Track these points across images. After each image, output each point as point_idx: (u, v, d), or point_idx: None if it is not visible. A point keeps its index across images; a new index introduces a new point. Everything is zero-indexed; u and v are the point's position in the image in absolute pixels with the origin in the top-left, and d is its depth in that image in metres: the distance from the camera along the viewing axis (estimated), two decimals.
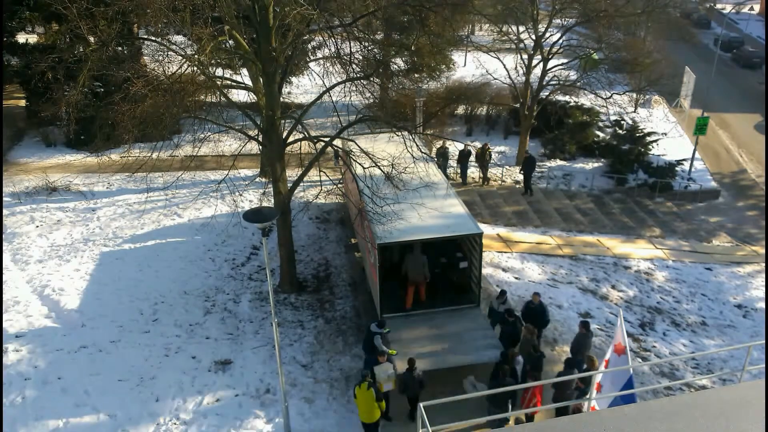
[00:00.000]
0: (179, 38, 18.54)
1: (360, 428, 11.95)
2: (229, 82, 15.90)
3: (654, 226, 22.84)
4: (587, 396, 11.05)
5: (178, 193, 21.60)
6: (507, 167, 26.55)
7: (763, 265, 20.15)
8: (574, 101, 28.50)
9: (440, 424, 7.11)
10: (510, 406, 11.53)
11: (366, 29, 17.60)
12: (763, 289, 18.62)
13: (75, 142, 24.44)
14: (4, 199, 20.75)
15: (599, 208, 24.10)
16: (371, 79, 15.42)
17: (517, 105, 26.98)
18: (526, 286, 17.62)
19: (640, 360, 14.98)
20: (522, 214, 22.94)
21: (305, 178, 15.89)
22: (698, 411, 6.04)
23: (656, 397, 13.39)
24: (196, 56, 12.79)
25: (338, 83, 15.20)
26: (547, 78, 25.36)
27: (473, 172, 25.58)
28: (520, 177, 25.91)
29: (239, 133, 15.54)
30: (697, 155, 27.46)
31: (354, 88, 15.05)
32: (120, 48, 18.39)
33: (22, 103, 26.86)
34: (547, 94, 26.70)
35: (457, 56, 33.24)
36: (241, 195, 18.40)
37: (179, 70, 12.80)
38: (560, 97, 27.89)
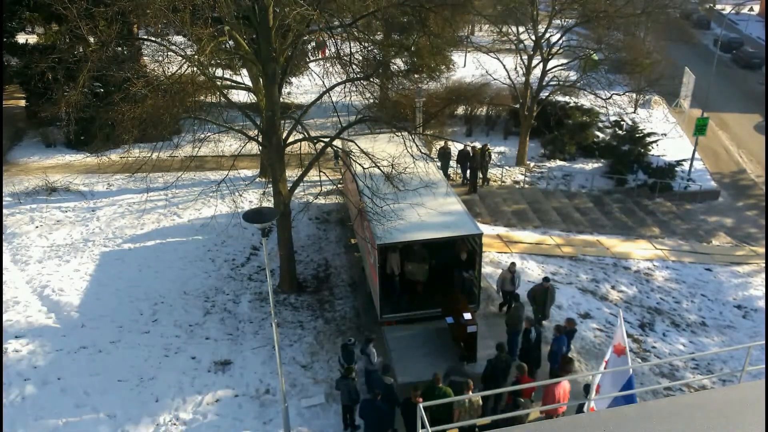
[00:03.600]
0: (179, 38, 18.53)
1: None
2: (229, 83, 15.91)
3: (653, 227, 22.84)
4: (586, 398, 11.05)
5: (178, 193, 21.59)
6: (507, 167, 26.53)
7: (763, 265, 20.15)
8: (574, 102, 28.48)
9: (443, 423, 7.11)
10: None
11: (366, 30, 17.59)
12: (763, 289, 18.62)
13: (75, 142, 24.44)
14: (4, 199, 20.74)
15: (599, 209, 24.09)
16: (371, 79, 15.43)
17: (517, 105, 26.97)
18: (526, 286, 17.59)
19: (640, 360, 14.98)
20: (522, 214, 22.93)
21: (305, 178, 15.89)
22: (698, 411, 6.03)
23: (656, 398, 13.39)
24: (195, 57, 12.80)
25: (338, 84, 15.21)
26: (546, 78, 25.36)
27: None
28: (520, 177, 25.90)
29: (239, 134, 15.53)
30: (696, 155, 27.46)
31: (354, 89, 15.07)
32: (120, 48, 18.35)
33: (22, 103, 26.85)
34: (547, 94, 26.69)
35: (457, 57, 33.23)
36: (241, 195, 18.37)
37: (179, 71, 12.81)
38: (560, 98, 27.86)
